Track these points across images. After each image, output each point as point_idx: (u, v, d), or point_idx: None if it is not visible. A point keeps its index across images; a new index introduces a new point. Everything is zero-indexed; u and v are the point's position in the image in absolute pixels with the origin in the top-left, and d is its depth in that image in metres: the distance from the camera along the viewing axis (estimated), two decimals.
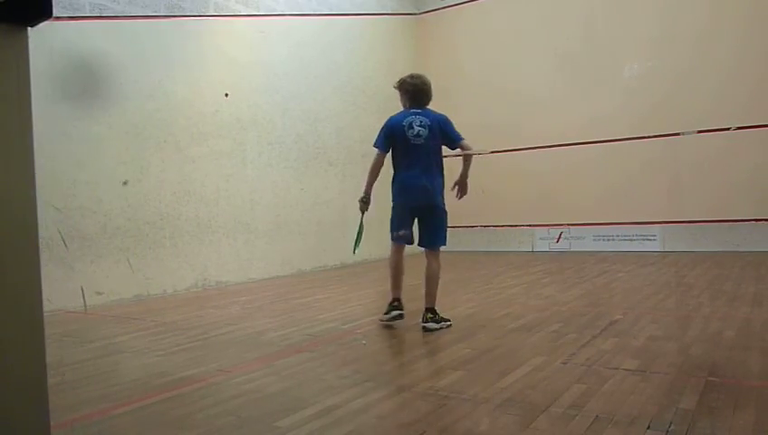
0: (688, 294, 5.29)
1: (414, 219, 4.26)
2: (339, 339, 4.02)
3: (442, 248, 4.26)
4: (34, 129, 1.11)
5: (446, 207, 4.25)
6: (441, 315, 4.15)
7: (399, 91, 4.32)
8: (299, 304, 5.53)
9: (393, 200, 4.27)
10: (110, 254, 6.00)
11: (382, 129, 4.26)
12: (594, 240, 9.79)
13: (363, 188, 4.31)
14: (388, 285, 4.38)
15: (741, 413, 2.32)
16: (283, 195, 8.17)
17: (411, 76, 4.36)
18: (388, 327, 4.23)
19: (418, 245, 4.27)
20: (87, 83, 5.95)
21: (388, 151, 4.25)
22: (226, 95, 7.39)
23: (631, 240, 9.53)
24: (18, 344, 1.09)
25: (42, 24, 1.11)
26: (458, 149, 4.26)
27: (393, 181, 4.28)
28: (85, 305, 5.62)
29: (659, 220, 9.28)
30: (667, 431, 2.17)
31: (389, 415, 2.47)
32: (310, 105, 8.59)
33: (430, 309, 4.13)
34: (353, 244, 4.44)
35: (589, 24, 9.73)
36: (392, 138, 4.19)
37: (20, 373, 1.09)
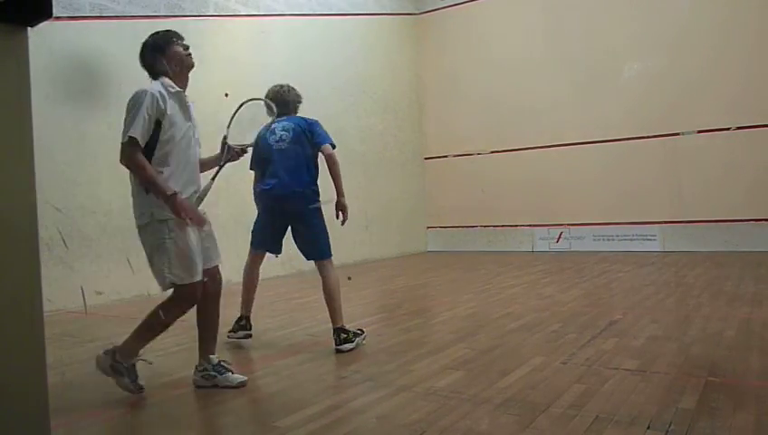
0: (688, 294, 5.29)
1: (283, 228, 4.08)
2: None
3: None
4: (34, 129, 1.11)
5: (323, 215, 3.98)
6: (352, 330, 3.75)
7: (272, 101, 4.14)
8: (299, 304, 5.53)
9: (258, 208, 4.14)
10: (110, 254, 6.00)
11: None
12: (594, 240, 9.79)
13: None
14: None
15: (741, 413, 2.32)
16: None
17: (274, 85, 4.26)
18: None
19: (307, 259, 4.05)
20: (87, 83, 5.94)
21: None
22: (226, 95, 7.39)
23: (631, 240, 9.53)
24: (18, 344, 1.09)
25: (42, 24, 1.11)
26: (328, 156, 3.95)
27: (256, 189, 4.15)
28: (85, 305, 5.62)
29: (659, 220, 9.28)
30: (667, 431, 2.17)
31: (389, 415, 2.47)
32: (309, 105, 8.57)
33: (339, 329, 3.68)
34: None
35: (589, 24, 9.72)
36: (258, 151, 4.02)
37: (20, 373, 1.09)
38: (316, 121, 4.08)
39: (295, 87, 4.51)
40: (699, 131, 8.92)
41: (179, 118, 3.07)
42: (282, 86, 4.25)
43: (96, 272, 5.86)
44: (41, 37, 5.04)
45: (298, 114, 4.23)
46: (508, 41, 10.41)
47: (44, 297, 1.15)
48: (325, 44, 8.96)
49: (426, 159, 10.93)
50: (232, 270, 7.30)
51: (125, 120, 2.84)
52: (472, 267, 8.14)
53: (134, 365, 2.76)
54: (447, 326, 4.18)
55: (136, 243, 6.75)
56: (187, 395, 2.86)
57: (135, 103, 2.90)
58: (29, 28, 1.10)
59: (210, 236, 3.11)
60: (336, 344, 3.62)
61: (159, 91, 2.91)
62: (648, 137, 9.25)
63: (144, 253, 2.89)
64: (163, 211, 2.86)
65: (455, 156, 10.67)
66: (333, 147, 3.97)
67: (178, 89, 3.08)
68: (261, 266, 4.32)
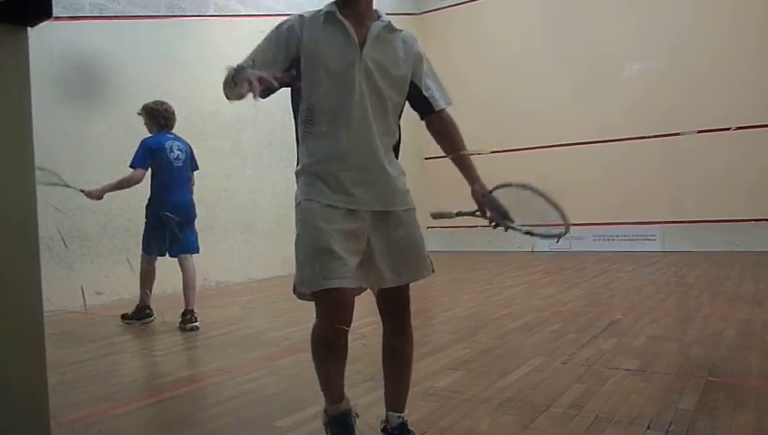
0: (688, 294, 5.29)
1: (172, 232, 4.79)
2: None
3: None
4: (34, 129, 1.11)
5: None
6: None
7: (146, 116, 4.83)
8: (299, 304, 5.50)
9: (152, 215, 4.79)
10: (109, 254, 6.00)
11: (142, 149, 4.73)
12: (594, 240, 9.79)
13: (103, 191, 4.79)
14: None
15: (741, 413, 2.32)
16: (283, 195, 8.15)
17: (156, 102, 4.85)
18: None
19: (173, 254, 4.99)
20: (87, 83, 5.95)
21: (147, 170, 4.75)
22: None
23: (631, 240, 9.53)
24: (18, 344, 1.09)
25: (42, 24, 1.11)
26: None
27: (153, 199, 4.81)
28: (85, 305, 5.62)
29: (659, 220, 9.28)
30: (667, 431, 2.16)
31: None
32: None
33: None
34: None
35: (589, 23, 9.72)
36: (152, 158, 4.71)
37: (20, 373, 1.09)
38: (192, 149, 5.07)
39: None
40: (699, 131, 8.92)
41: None
42: (165, 103, 4.96)
43: (96, 272, 5.87)
44: (41, 37, 5.04)
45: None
46: (508, 41, 10.40)
47: (44, 297, 1.15)
48: None
49: (426, 159, 10.92)
50: (232, 270, 7.33)
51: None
52: (472, 267, 8.14)
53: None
54: (447, 326, 4.18)
55: (136, 243, 6.75)
56: (188, 395, 2.86)
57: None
58: (29, 28, 1.10)
59: None
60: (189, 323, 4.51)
61: None
62: (649, 137, 9.25)
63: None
64: None
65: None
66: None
67: None
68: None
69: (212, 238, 7.11)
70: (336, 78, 1.84)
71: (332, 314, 1.97)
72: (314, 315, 2.02)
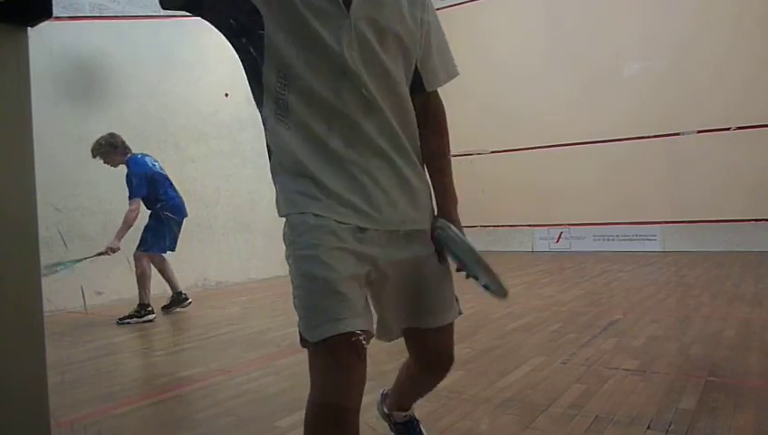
0: (688, 294, 5.29)
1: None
2: None
3: None
4: (34, 129, 1.11)
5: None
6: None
7: (113, 149, 5.14)
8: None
9: (167, 221, 5.29)
10: None
11: (142, 179, 5.12)
12: (594, 240, 9.79)
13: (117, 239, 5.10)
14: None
15: (741, 413, 2.32)
16: None
17: (108, 136, 5.17)
18: None
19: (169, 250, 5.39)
20: (87, 83, 5.95)
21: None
22: (226, 95, 7.39)
23: (631, 240, 9.53)
24: (18, 344, 1.09)
25: (42, 24, 1.11)
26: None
27: (164, 209, 5.30)
28: (85, 305, 5.62)
29: (659, 220, 9.28)
30: (667, 431, 2.16)
31: None
32: None
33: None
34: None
35: (590, 23, 9.72)
36: (151, 182, 5.22)
37: (20, 373, 1.09)
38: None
39: None
40: (699, 131, 8.92)
41: None
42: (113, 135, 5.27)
43: (96, 272, 5.86)
44: (41, 37, 5.04)
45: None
46: (509, 41, 10.41)
47: (44, 297, 1.15)
48: None
49: None
50: (232, 270, 7.33)
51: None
52: None
53: None
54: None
55: (136, 243, 6.72)
56: (187, 395, 2.86)
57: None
58: (29, 28, 1.10)
59: None
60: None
61: None
62: (649, 137, 9.25)
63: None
64: None
65: (455, 156, 10.51)
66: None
67: None
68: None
69: (212, 238, 7.12)
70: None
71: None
72: None
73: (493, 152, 10.42)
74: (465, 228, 1.57)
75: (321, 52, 1.28)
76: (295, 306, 1.37)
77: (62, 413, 2.59)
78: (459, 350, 3.51)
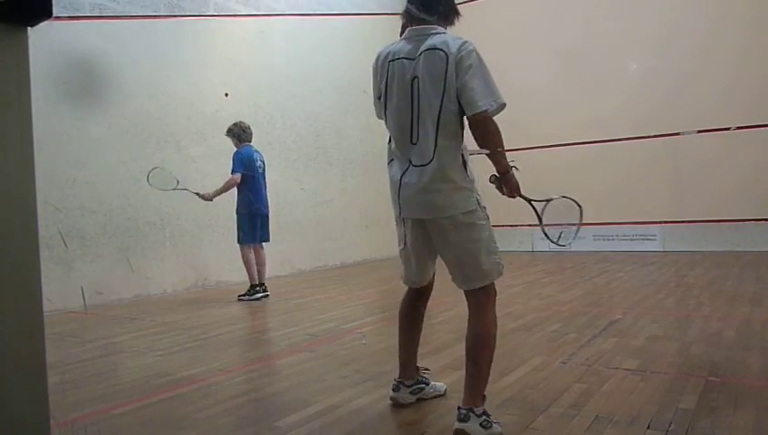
0: (688, 294, 5.29)
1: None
2: (339, 339, 4.02)
3: None
4: (34, 129, 1.11)
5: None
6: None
7: (231, 136, 6.06)
8: (299, 304, 5.53)
9: (245, 209, 5.95)
10: (110, 254, 6.00)
11: (241, 159, 5.90)
12: (594, 240, 9.79)
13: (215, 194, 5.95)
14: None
15: (741, 413, 2.32)
16: (283, 195, 8.16)
17: (236, 124, 6.09)
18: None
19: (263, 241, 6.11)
20: (87, 83, 5.95)
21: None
22: (226, 95, 7.39)
23: (631, 240, 9.54)
24: (18, 344, 1.09)
25: (42, 24, 1.11)
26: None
27: (246, 196, 5.96)
28: (85, 305, 5.62)
29: (659, 220, 9.28)
30: (667, 431, 2.17)
31: (389, 415, 2.47)
32: (310, 105, 8.59)
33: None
34: None
35: (589, 23, 9.72)
36: (246, 166, 5.91)
37: (20, 373, 1.09)
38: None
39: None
40: (699, 131, 8.92)
41: None
42: (242, 122, 6.17)
43: (96, 272, 5.87)
44: (41, 37, 5.04)
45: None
46: (507, 41, 10.40)
47: (44, 297, 1.15)
48: (325, 44, 8.96)
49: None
50: (232, 270, 7.32)
51: (474, 81, 2.11)
52: None
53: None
54: (447, 326, 4.18)
55: (136, 243, 6.75)
56: (187, 395, 2.86)
57: (479, 58, 2.16)
58: (29, 28, 1.10)
59: None
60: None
61: None
62: (649, 137, 9.25)
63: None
64: (480, 197, 2.33)
65: None
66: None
67: None
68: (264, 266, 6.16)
69: (212, 238, 7.11)
70: None
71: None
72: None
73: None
74: None
75: None
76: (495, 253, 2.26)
77: (62, 413, 2.59)
78: (459, 350, 3.51)
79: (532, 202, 2.57)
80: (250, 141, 6.11)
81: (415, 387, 2.58)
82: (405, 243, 2.40)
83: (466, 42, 2.15)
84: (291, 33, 8.38)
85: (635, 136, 9.32)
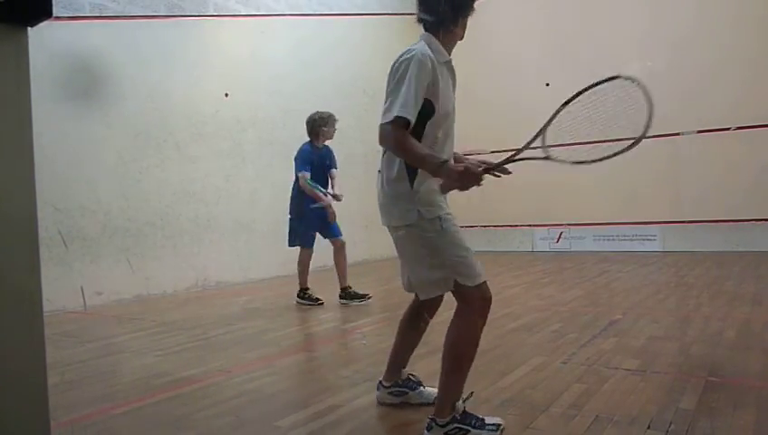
0: (688, 294, 5.29)
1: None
2: (339, 339, 4.02)
3: None
4: (34, 129, 1.11)
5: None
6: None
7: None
8: (299, 304, 5.53)
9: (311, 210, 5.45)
10: (110, 254, 6.00)
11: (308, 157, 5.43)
12: (594, 240, 9.79)
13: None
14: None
15: (741, 413, 2.32)
16: (283, 195, 8.14)
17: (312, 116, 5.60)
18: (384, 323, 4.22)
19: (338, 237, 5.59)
20: (87, 83, 5.95)
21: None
22: (226, 95, 7.39)
23: (631, 240, 9.53)
24: (18, 344, 1.09)
25: (42, 24, 1.11)
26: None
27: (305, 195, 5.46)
28: (85, 305, 5.62)
29: (659, 220, 9.27)
30: (667, 431, 2.16)
31: (389, 415, 2.47)
32: (310, 105, 8.56)
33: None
34: None
35: (589, 23, 9.72)
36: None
37: (20, 373, 1.09)
38: (299, 150, 5.48)
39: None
40: (699, 131, 8.92)
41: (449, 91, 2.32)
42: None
43: (96, 272, 5.87)
44: (41, 37, 5.05)
45: (310, 139, 5.56)
46: (508, 41, 10.41)
47: (44, 297, 1.15)
48: (325, 44, 8.96)
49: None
50: (232, 270, 7.32)
51: (389, 91, 2.11)
52: None
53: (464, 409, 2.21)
54: (447, 326, 4.18)
55: (136, 243, 6.74)
56: (187, 395, 2.86)
57: (406, 70, 2.09)
58: (29, 28, 1.10)
59: None
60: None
61: (429, 56, 2.15)
62: (648, 137, 9.17)
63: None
64: (432, 208, 2.19)
65: None
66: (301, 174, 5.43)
67: (449, 58, 2.36)
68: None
69: (212, 238, 7.12)
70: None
71: (488, 304, 2.27)
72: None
73: (493, 152, 10.41)
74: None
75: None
76: (458, 261, 2.17)
77: (62, 413, 2.58)
78: None
79: (510, 160, 2.48)
80: (310, 137, 5.56)
81: (395, 389, 2.56)
82: None
83: (411, 51, 2.12)
84: (291, 33, 8.38)
85: (635, 136, 9.31)
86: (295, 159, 5.48)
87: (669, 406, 2.42)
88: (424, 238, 2.15)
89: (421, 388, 2.59)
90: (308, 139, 5.51)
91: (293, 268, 5.80)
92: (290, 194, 5.63)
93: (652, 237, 9.36)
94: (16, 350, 1.08)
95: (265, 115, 7.93)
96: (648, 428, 2.20)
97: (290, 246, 5.64)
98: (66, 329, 4.64)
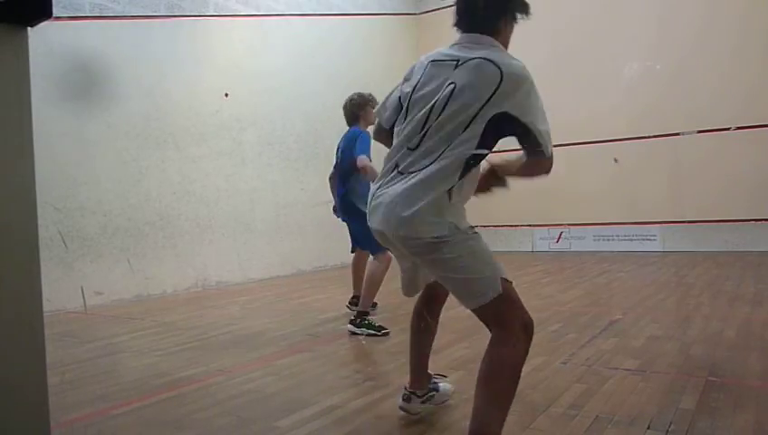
0: (688, 294, 5.29)
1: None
2: (339, 339, 4.02)
3: None
4: (34, 129, 1.11)
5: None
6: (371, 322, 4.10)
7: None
8: (299, 304, 5.53)
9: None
10: (110, 254, 6.00)
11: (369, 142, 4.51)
12: (594, 240, 9.79)
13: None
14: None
15: (741, 413, 2.32)
16: (283, 195, 8.17)
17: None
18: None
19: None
20: (87, 83, 5.95)
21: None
22: (226, 95, 7.39)
23: (631, 240, 9.53)
24: (18, 344, 1.09)
25: (42, 24, 1.11)
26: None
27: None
28: (85, 305, 5.62)
29: (659, 220, 9.27)
30: (667, 431, 2.16)
31: (389, 415, 2.47)
32: (310, 105, 8.59)
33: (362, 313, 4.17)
34: None
35: (589, 23, 9.72)
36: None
37: (20, 373, 1.09)
38: (356, 136, 4.55)
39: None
40: (699, 131, 8.92)
41: None
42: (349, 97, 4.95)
43: (96, 272, 5.87)
44: (41, 37, 5.05)
45: (353, 125, 4.88)
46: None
47: (44, 297, 1.15)
48: (325, 44, 8.96)
49: None
50: (232, 270, 7.32)
51: (534, 114, 1.97)
52: None
53: None
54: (447, 326, 4.17)
55: (136, 243, 6.75)
56: (188, 395, 2.86)
57: (534, 91, 2.00)
58: (29, 28, 1.10)
59: None
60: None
61: None
62: (649, 137, 9.25)
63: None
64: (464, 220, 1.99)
65: None
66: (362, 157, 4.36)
67: None
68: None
69: (212, 238, 7.12)
70: None
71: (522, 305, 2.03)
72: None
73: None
74: None
75: None
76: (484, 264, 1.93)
77: (62, 413, 2.59)
78: (459, 350, 3.52)
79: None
80: (350, 123, 4.93)
81: (426, 396, 2.43)
82: None
83: (519, 64, 2.14)
84: (291, 33, 8.38)
85: (634, 136, 9.32)
86: (349, 143, 4.57)
87: (669, 406, 2.42)
88: (462, 247, 1.88)
89: (441, 384, 2.53)
90: (347, 126, 4.89)
91: (293, 268, 5.79)
92: (341, 192, 4.66)
93: (652, 237, 9.36)
94: (16, 350, 1.08)
95: (265, 115, 7.93)
96: (648, 428, 2.20)
97: (352, 251, 4.97)
98: (66, 329, 4.64)
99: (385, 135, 2.17)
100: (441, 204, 1.84)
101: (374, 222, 1.98)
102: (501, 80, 1.89)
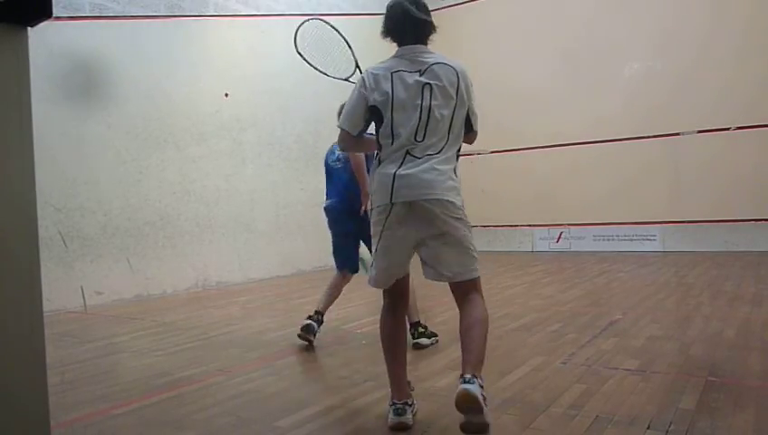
0: (688, 294, 5.29)
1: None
2: (339, 339, 4.02)
3: None
4: (34, 129, 1.11)
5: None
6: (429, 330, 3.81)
7: None
8: (299, 304, 5.53)
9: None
10: (110, 254, 6.00)
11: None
12: (594, 240, 9.79)
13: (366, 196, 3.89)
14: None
15: (741, 413, 2.32)
16: (283, 195, 8.16)
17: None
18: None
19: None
20: (87, 83, 5.95)
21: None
22: (226, 95, 7.39)
23: (631, 240, 9.53)
24: (18, 344, 1.09)
25: (42, 24, 1.11)
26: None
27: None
28: (85, 305, 5.62)
29: (659, 220, 9.27)
30: (667, 431, 2.16)
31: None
32: (310, 105, 8.59)
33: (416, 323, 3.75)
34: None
35: (590, 24, 9.72)
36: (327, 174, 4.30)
37: (20, 373, 1.09)
38: None
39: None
40: (699, 131, 8.92)
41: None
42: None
43: (96, 272, 5.87)
44: (41, 37, 5.05)
45: None
46: (508, 41, 10.40)
47: (44, 297, 1.15)
48: None
49: None
50: (232, 270, 7.32)
51: (473, 99, 2.53)
52: None
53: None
54: (447, 326, 4.18)
55: (136, 243, 6.75)
56: (187, 395, 2.86)
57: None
58: (29, 28, 1.10)
59: None
60: (413, 338, 3.61)
61: None
62: (649, 137, 9.25)
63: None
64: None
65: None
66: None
67: None
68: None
69: (212, 238, 7.12)
70: None
71: None
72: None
73: (493, 152, 10.42)
74: None
75: None
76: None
77: (62, 413, 2.59)
78: (459, 350, 3.51)
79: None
80: None
81: (413, 403, 2.41)
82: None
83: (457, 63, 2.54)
84: (291, 33, 8.36)
85: (635, 136, 9.32)
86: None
87: (669, 406, 2.42)
88: (467, 221, 2.38)
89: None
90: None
91: (293, 268, 5.78)
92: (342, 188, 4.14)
93: (652, 237, 9.36)
94: (16, 350, 1.08)
95: (265, 115, 7.93)
96: (648, 428, 2.20)
97: (342, 269, 4.26)
98: (66, 329, 4.64)
99: (353, 142, 2.51)
100: (456, 180, 2.31)
101: (400, 196, 2.22)
102: (458, 77, 2.39)
